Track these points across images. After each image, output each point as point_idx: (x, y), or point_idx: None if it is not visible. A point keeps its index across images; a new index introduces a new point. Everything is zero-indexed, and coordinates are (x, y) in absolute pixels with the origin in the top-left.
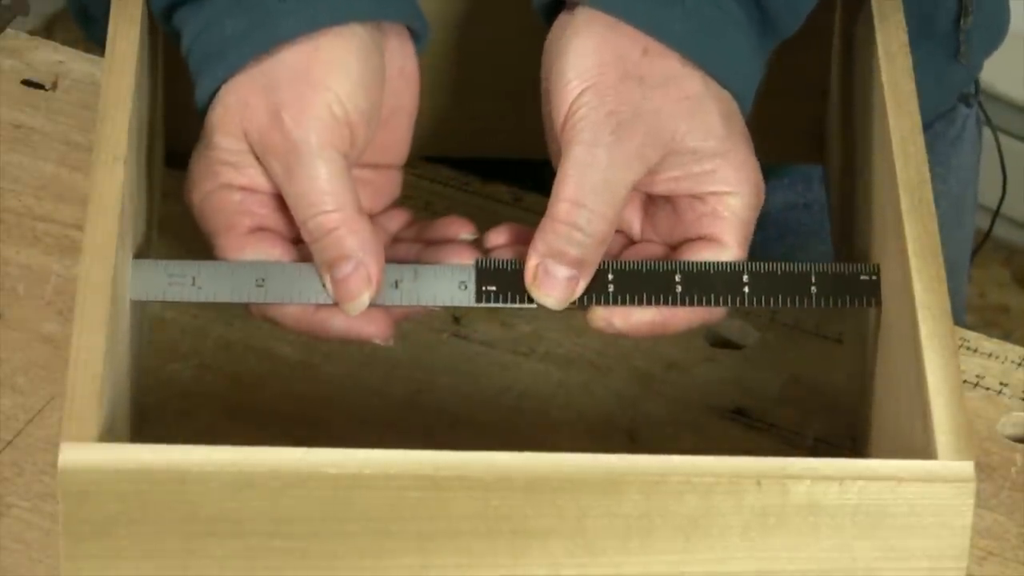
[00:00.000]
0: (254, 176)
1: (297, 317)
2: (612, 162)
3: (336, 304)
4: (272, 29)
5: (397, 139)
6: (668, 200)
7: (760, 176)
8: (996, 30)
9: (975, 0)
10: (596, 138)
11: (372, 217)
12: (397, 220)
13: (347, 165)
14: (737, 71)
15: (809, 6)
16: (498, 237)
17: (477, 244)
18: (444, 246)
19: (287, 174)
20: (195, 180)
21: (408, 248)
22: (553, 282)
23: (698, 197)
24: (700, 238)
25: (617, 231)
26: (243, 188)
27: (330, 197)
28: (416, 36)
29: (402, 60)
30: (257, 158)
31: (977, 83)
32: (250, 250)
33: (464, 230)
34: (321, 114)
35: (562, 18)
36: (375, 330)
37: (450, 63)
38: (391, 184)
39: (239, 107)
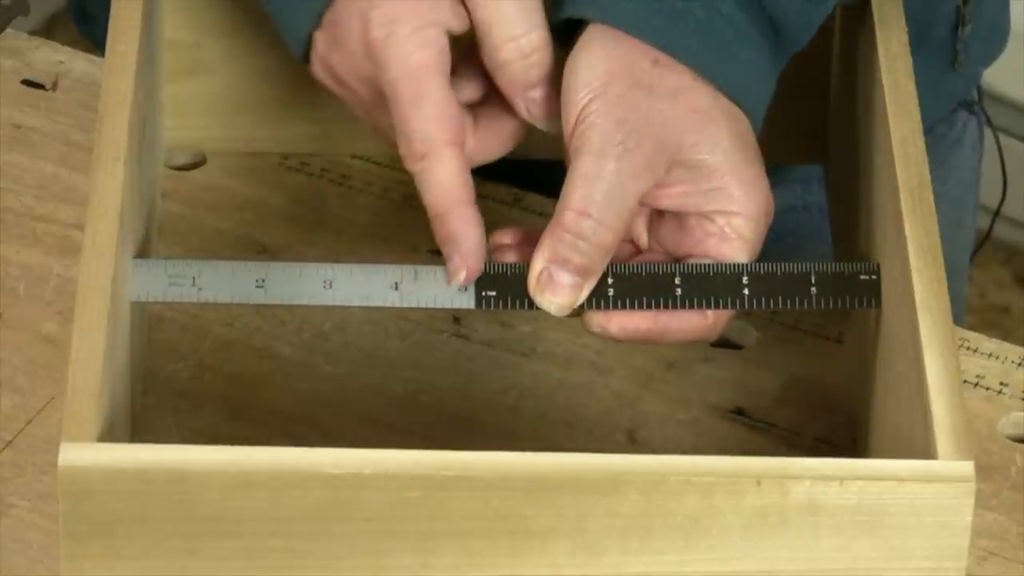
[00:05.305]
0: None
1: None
2: (620, 173)
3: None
4: None
5: None
6: (675, 215)
7: (769, 195)
8: (996, 40)
9: (974, 10)
10: (604, 148)
11: None
12: None
13: None
14: (748, 87)
15: (821, 19)
16: (504, 237)
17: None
18: None
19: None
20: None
21: None
22: (556, 288)
23: (706, 215)
24: (706, 257)
25: (625, 240)
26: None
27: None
28: None
29: None
30: None
31: (980, 89)
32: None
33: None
34: None
35: (576, 38)
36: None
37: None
38: None
39: None
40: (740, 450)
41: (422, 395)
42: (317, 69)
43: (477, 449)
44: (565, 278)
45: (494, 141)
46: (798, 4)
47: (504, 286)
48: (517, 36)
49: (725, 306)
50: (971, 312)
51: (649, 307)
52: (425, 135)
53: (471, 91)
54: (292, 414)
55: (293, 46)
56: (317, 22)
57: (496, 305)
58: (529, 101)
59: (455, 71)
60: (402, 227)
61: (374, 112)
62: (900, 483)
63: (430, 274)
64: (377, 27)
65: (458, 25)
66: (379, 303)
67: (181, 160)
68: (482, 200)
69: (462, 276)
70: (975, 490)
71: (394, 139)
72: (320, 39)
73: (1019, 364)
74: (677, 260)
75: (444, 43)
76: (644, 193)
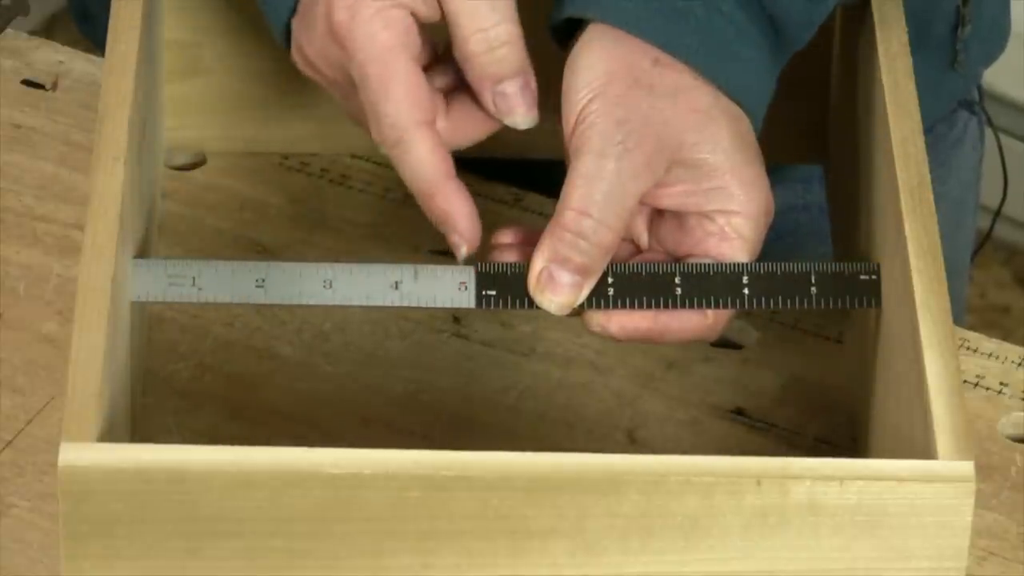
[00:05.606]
0: None
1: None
2: (620, 173)
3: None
4: None
5: None
6: (675, 215)
7: (770, 195)
8: (996, 40)
9: (974, 10)
10: (604, 148)
11: None
12: None
13: None
14: (749, 87)
15: (822, 18)
16: (504, 236)
17: (483, 243)
18: None
19: None
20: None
21: None
22: (556, 287)
23: (706, 215)
24: (706, 256)
25: (625, 240)
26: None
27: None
28: None
29: None
30: None
31: (981, 89)
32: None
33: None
34: None
35: (577, 38)
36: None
37: None
38: None
39: None
40: (740, 450)
41: (422, 395)
42: (295, 57)
43: (477, 449)
44: (565, 277)
45: (469, 127)
46: (799, 3)
47: (504, 285)
48: (485, 28)
49: (725, 306)
50: (971, 312)
51: (649, 307)
52: (396, 118)
53: (445, 81)
54: (292, 414)
55: (277, 36)
56: (294, 10)
57: (496, 304)
58: (497, 95)
59: (432, 67)
60: (402, 227)
61: (348, 97)
62: (900, 483)
63: (430, 274)
64: (340, 9)
65: (426, 11)
66: (379, 303)
67: (181, 160)
68: (482, 200)
69: (464, 251)
70: (975, 490)
71: (367, 123)
72: (295, 26)
73: (1019, 364)
74: (677, 260)
75: (410, 23)
76: (644, 193)
